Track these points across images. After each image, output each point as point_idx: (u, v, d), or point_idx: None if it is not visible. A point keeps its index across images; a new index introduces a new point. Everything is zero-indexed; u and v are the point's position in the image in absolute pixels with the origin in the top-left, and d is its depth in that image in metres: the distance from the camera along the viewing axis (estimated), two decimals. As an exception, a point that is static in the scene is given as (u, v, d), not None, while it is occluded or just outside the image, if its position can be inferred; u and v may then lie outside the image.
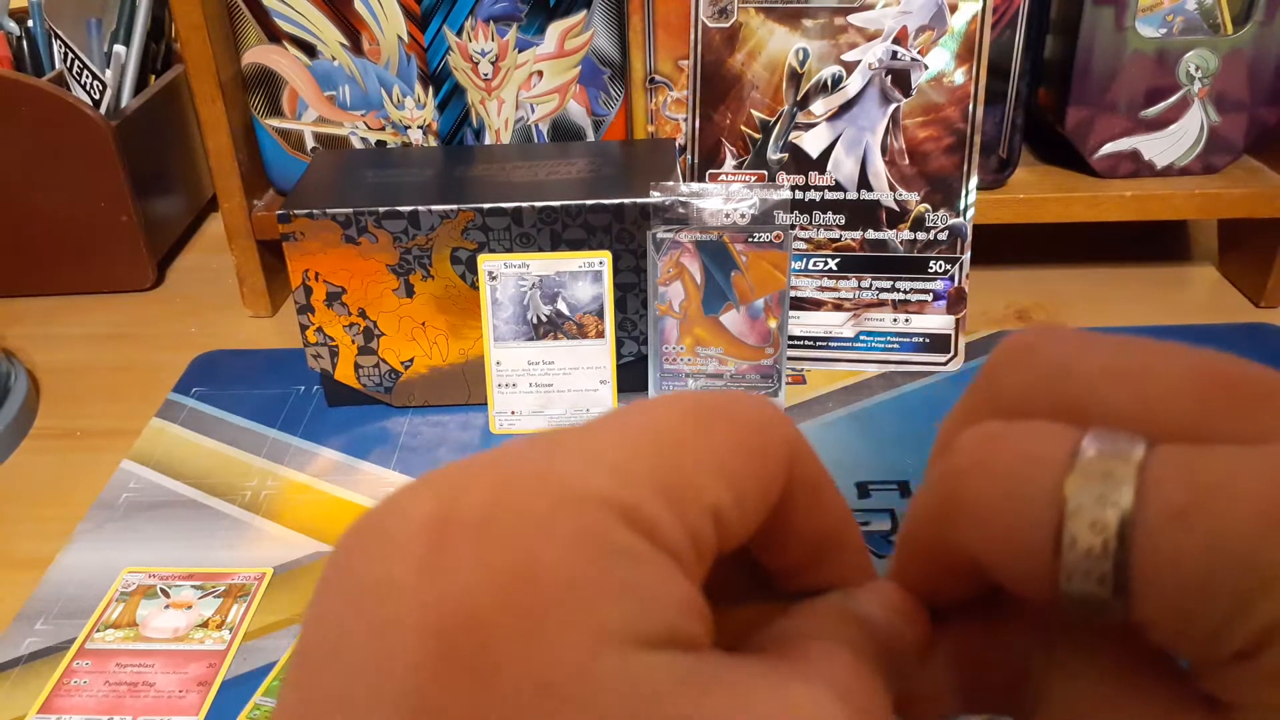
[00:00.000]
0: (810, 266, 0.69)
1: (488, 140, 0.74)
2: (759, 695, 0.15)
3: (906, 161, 0.66)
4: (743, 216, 0.62)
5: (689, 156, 0.68)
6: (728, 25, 0.66)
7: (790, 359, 0.69)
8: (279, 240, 0.62)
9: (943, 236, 0.67)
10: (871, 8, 0.64)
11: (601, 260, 0.62)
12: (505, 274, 0.62)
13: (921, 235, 0.67)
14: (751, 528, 0.17)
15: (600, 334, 0.63)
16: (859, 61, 0.65)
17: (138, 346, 0.76)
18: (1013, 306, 0.76)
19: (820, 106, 0.66)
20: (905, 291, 0.68)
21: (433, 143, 0.74)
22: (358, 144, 0.75)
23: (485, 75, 0.72)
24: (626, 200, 0.61)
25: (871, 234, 0.68)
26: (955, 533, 0.17)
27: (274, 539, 0.57)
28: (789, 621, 0.19)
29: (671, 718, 0.14)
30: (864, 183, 0.67)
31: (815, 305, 0.70)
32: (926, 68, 0.65)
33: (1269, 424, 0.15)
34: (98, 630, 0.51)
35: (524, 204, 0.61)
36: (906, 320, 0.69)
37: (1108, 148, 0.72)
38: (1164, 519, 0.14)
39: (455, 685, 0.13)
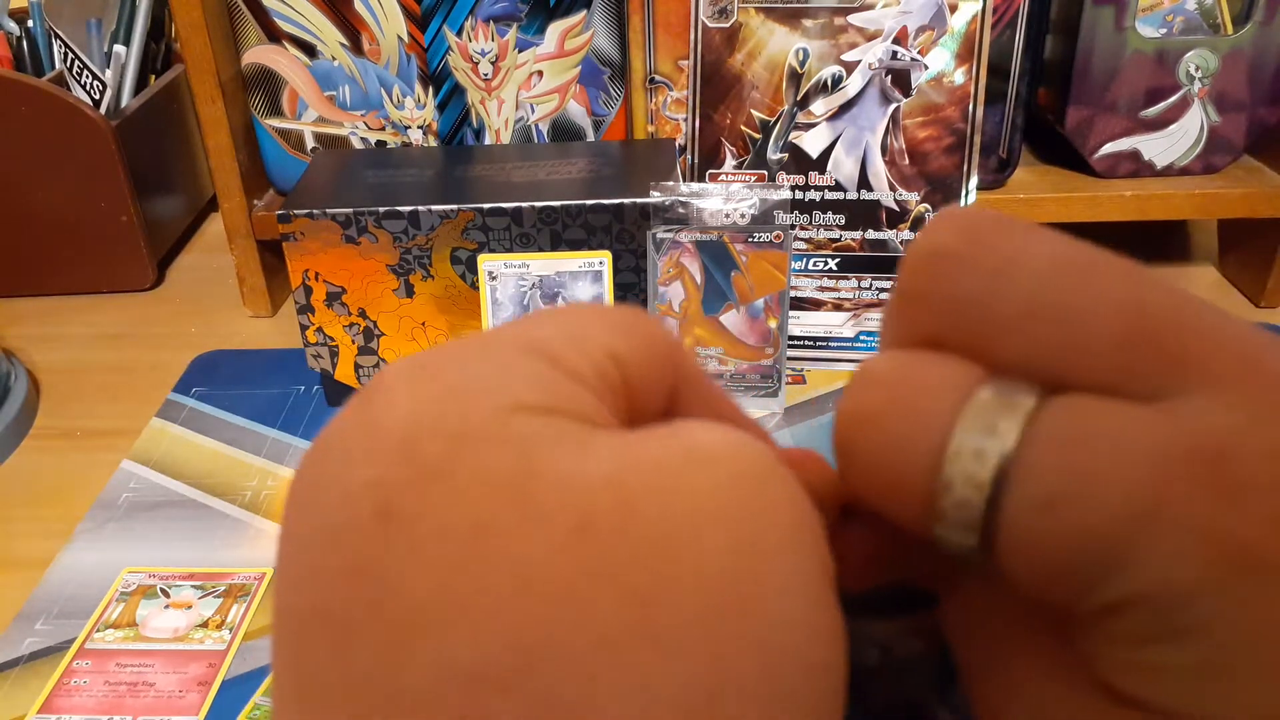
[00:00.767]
0: (810, 266, 0.69)
1: (488, 140, 0.74)
2: (651, 438, 0.16)
3: (906, 161, 0.66)
4: (743, 216, 0.62)
5: (689, 156, 0.68)
6: (728, 25, 0.66)
7: (790, 359, 0.69)
8: (279, 240, 0.62)
9: (943, 236, 0.67)
10: (871, 8, 0.64)
11: (601, 260, 0.62)
12: (505, 274, 0.62)
13: (921, 235, 0.67)
14: (653, 390, 0.18)
15: (600, 334, 0.63)
16: (859, 61, 0.65)
17: (138, 346, 0.76)
18: (1013, 306, 0.76)
19: (820, 106, 0.66)
20: (905, 291, 0.68)
21: (433, 143, 0.74)
22: (358, 144, 0.75)
23: (485, 75, 0.72)
24: (626, 200, 0.61)
25: (871, 234, 0.68)
26: (853, 462, 0.17)
27: (274, 539, 0.57)
28: None
29: (551, 460, 0.15)
30: (864, 183, 0.67)
31: (815, 305, 0.70)
32: (926, 68, 0.65)
33: (1181, 380, 0.14)
34: (98, 630, 0.51)
35: (524, 204, 0.61)
36: (906, 320, 0.69)
37: (1108, 148, 0.72)
38: (1032, 505, 0.14)
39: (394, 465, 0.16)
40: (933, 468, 0.15)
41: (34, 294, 0.82)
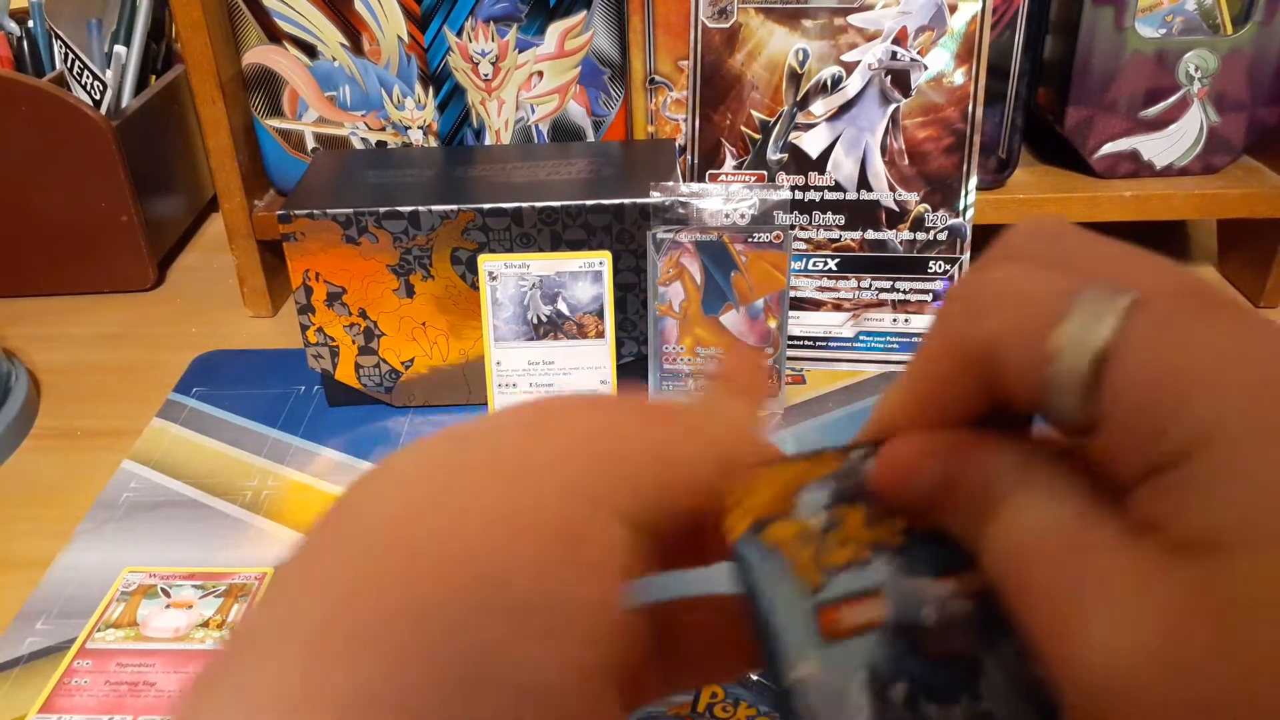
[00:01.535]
0: (810, 266, 0.69)
1: (488, 140, 0.74)
2: None
3: (906, 162, 0.66)
4: (742, 217, 0.62)
5: (689, 157, 0.69)
6: (728, 25, 0.66)
7: (790, 359, 0.69)
8: (279, 240, 0.62)
9: (942, 237, 0.67)
10: (871, 8, 0.64)
11: (601, 260, 0.62)
12: (505, 274, 0.62)
13: (921, 235, 0.67)
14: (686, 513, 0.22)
15: (600, 334, 0.63)
16: (859, 62, 0.65)
17: (138, 346, 0.76)
18: (1012, 306, 0.76)
19: (820, 107, 0.66)
20: (905, 292, 0.68)
21: (433, 143, 0.74)
22: (358, 144, 0.75)
23: (485, 76, 0.72)
24: (626, 200, 0.61)
25: (871, 234, 0.68)
26: (979, 324, 0.20)
27: (275, 539, 0.57)
28: None
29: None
30: (864, 183, 0.67)
31: (815, 305, 0.70)
32: (926, 68, 0.65)
33: (1229, 313, 0.18)
34: (98, 630, 0.51)
35: (524, 204, 0.61)
36: (906, 320, 0.69)
37: (1107, 148, 0.72)
38: (1139, 334, 0.18)
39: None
40: (1057, 318, 0.19)
41: (34, 294, 0.82)
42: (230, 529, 0.57)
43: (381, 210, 0.61)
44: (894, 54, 0.65)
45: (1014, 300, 0.20)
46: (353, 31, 0.71)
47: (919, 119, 0.66)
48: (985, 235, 0.70)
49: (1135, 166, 0.73)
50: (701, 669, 0.28)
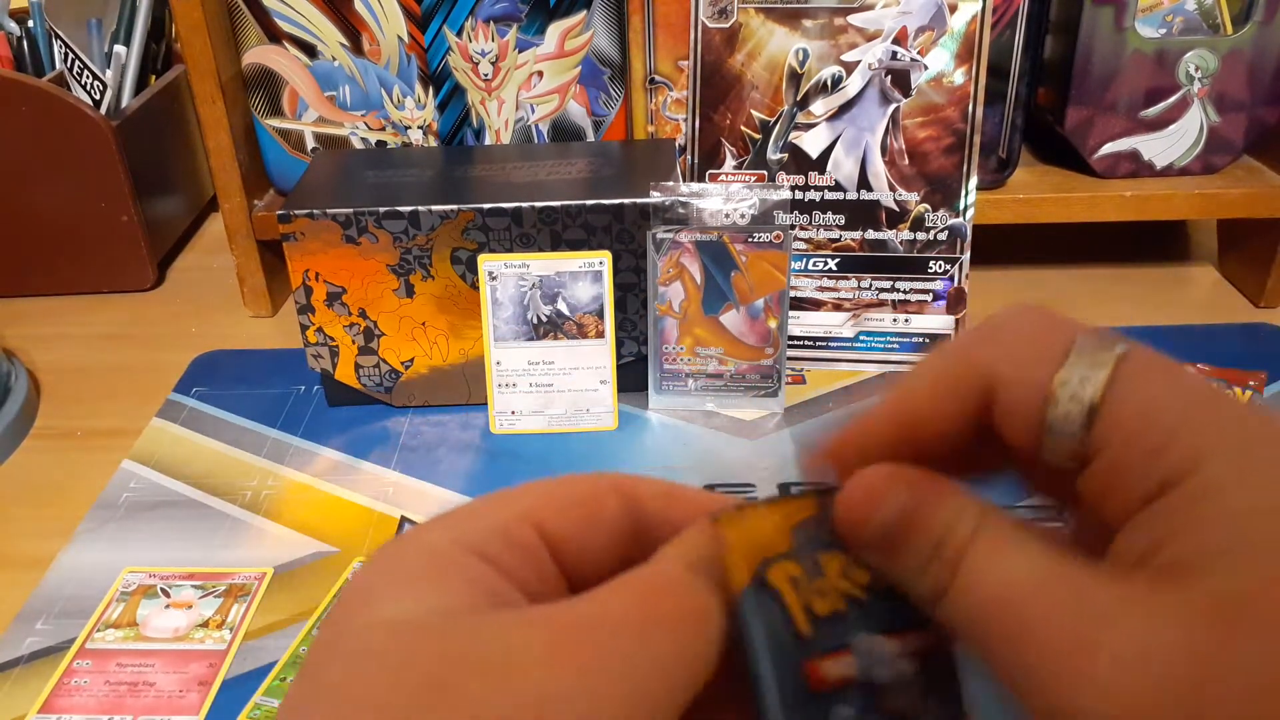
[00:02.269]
0: (810, 266, 0.69)
1: (488, 140, 0.74)
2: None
3: (906, 161, 0.66)
4: (743, 216, 0.62)
5: (689, 156, 0.69)
6: (728, 25, 0.66)
7: (790, 359, 0.69)
8: (279, 240, 0.62)
9: (942, 236, 0.67)
10: (871, 8, 0.64)
11: (601, 260, 0.62)
12: (505, 274, 0.62)
13: (921, 235, 0.67)
14: (588, 542, 0.22)
15: (600, 334, 0.63)
16: (859, 62, 0.65)
17: (138, 346, 0.76)
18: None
19: (820, 107, 0.66)
20: (905, 291, 0.68)
21: (433, 143, 0.74)
22: (358, 144, 0.75)
23: (485, 75, 0.72)
24: (626, 200, 0.61)
25: (871, 234, 0.68)
26: (982, 350, 0.21)
27: (274, 539, 0.57)
28: None
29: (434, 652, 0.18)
30: (864, 183, 0.67)
31: (815, 305, 0.70)
32: (926, 68, 0.65)
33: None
34: (98, 630, 0.51)
35: (524, 204, 0.61)
36: (906, 320, 0.69)
37: (1107, 148, 0.72)
38: (1134, 372, 0.19)
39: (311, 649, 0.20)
40: (1061, 357, 0.20)
41: (34, 294, 0.82)
42: (230, 529, 0.57)
43: (381, 210, 0.61)
44: (894, 54, 0.65)
45: (1018, 336, 0.21)
46: (353, 31, 0.71)
47: (919, 119, 0.66)
48: (985, 235, 0.70)
49: (1135, 166, 0.73)
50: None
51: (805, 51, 0.66)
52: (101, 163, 0.77)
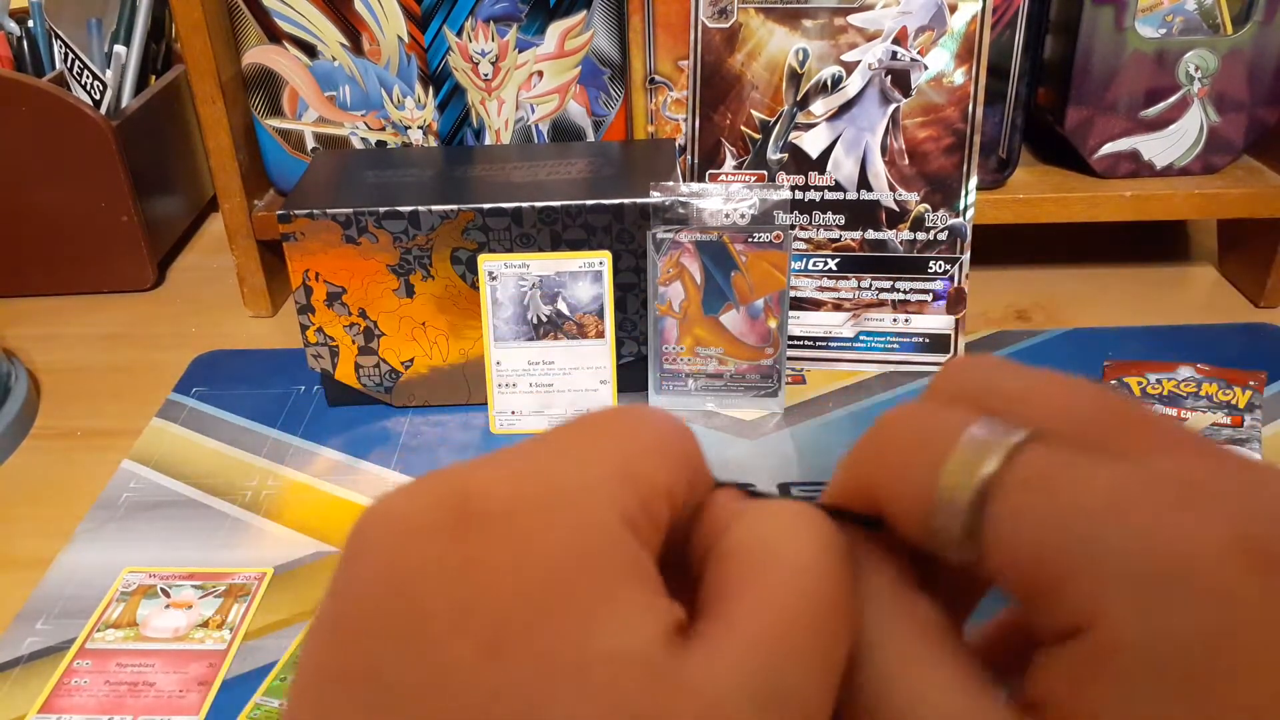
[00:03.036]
0: (810, 266, 0.69)
1: (488, 140, 0.74)
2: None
3: (906, 161, 0.66)
4: (743, 216, 0.62)
5: (689, 156, 0.69)
6: (728, 25, 0.66)
7: (790, 359, 0.69)
8: (279, 240, 0.62)
9: (942, 236, 0.67)
10: (871, 8, 0.64)
11: (601, 260, 0.62)
12: (505, 274, 0.62)
13: (921, 235, 0.67)
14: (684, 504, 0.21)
15: (600, 334, 0.63)
16: (859, 62, 0.65)
17: (138, 346, 0.76)
18: (1012, 307, 0.76)
19: (820, 107, 0.66)
20: (905, 291, 0.68)
21: (433, 143, 0.74)
22: (358, 144, 0.75)
23: (485, 75, 0.72)
24: (626, 200, 0.61)
25: (871, 234, 0.68)
26: (872, 469, 0.21)
27: (274, 539, 0.57)
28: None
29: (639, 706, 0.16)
30: (864, 183, 0.67)
31: (815, 305, 0.70)
32: (926, 68, 0.65)
33: (1136, 444, 0.18)
34: (98, 630, 0.51)
35: (524, 204, 0.61)
36: (906, 320, 0.69)
37: (1107, 148, 0.72)
38: (1017, 483, 0.18)
39: (490, 666, 0.16)
40: (938, 464, 0.19)
41: (34, 294, 0.82)
42: (230, 529, 0.57)
43: (381, 210, 0.61)
44: (894, 54, 0.65)
45: (905, 443, 0.20)
46: (353, 31, 0.71)
47: (919, 119, 0.66)
48: (985, 235, 0.70)
49: (1135, 166, 0.73)
50: None
51: (805, 51, 0.66)
52: (101, 163, 0.77)
